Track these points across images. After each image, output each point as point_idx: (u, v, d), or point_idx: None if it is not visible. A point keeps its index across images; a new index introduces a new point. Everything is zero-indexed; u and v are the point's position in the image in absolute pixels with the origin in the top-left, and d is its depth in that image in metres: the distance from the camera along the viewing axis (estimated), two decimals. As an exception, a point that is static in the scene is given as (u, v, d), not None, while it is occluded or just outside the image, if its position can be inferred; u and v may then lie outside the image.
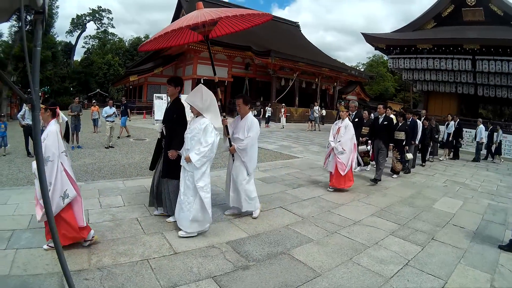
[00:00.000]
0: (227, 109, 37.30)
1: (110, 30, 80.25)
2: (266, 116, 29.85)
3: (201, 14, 4.81)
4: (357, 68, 68.60)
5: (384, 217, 6.93)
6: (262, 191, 7.99)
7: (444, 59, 23.79)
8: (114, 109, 16.47)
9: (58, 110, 4.78)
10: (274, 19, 56.46)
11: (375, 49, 28.81)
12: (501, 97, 23.52)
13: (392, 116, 10.92)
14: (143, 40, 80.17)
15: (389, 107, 11.60)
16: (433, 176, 12.10)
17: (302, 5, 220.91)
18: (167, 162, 5.71)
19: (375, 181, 9.82)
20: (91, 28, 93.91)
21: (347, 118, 8.99)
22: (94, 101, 30.84)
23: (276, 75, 36.52)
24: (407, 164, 11.95)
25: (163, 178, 5.86)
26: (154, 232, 5.41)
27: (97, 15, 76.47)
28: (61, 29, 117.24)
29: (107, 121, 15.28)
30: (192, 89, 28.45)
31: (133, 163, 11.48)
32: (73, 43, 75.82)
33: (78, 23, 75.51)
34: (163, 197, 5.97)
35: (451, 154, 17.66)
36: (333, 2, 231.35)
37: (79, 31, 76.10)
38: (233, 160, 6.27)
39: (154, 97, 28.79)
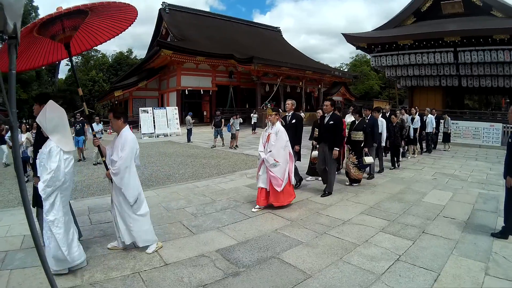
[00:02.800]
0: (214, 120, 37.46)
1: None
2: (252, 123, 29.85)
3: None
4: (341, 69, 69.19)
5: (373, 214, 6.89)
6: (252, 197, 8.05)
7: (426, 53, 23.96)
8: (101, 126, 16.40)
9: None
10: (255, 25, 56.96)
11: (357, 49, 29.05)
12: (485, 87, 23.71)
13: (378, 117, 10.87)
14: (126, 54, 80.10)
15: (376, 108, 11.27)
16: (422, 170, 12.09)
17: (283, 10, 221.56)
18: (34, 189, 4.99)
19: (325, 194, 8.34)
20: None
21: (279, 122, 7.63)
22: (82, 118, 30.76)
23: (260, 81, 36.68)
24: (369, 169, 10.33)
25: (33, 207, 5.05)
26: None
27: (78, 31, 76.27)
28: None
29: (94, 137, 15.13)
30: (177, 101, 28.35)
31: (120, 178, 11.29)
32: (57, 61, 75.60)
33: (60, 41, 75.25)
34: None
35: (419, 149, 16.30)
36: (315, 5, 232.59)
37: (62, 49, 75.88)
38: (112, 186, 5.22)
39: (140, 111, 28.67)
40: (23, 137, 11.96)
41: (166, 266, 4.68)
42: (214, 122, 20.49)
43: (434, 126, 16.89)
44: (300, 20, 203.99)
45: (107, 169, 5.13)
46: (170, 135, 27.63)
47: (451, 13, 24.91)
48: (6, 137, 13.33)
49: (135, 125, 32.80)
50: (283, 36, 60.07)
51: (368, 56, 34.50)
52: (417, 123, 15.41)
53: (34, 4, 50.16)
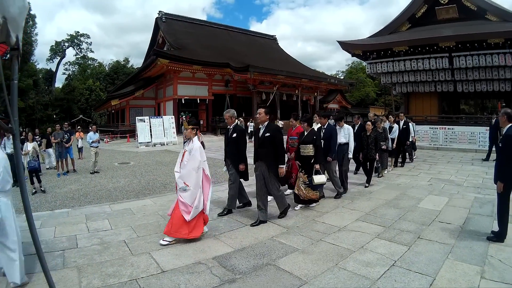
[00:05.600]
0: (210, 127, 37.49)
1: (90, 55, 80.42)
2: (249, 131, 29.91)
3: None
4: (337, 76, 69.52)
5: (369, 221, 6.92)
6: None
7: (421, 59, 23.98)
8: (97, 135, 16.35)
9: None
10: (251, 34, 57.25)
11: (352, 56, 29.02)
12: (481, 91, 23.72)
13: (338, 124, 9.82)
14: (122, 63, 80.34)
15: (338, 115, 10.44)
16: (418, 176, 12.11)
17: (280, 17, 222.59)
18: None
19: (255, 224, 6.84)
20: (71, 54, 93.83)
21: (196, 138, 6.34)
22: (78, 127, 30.73)
23: (256, 89, 36.74)
24: (319, 189, 8.28)
25: None
26: (142, 252, 5.45)
27: (75, 40, 76.39)
28: (41, 56, 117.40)
29: (91, 146, 15.14)
30: (174, 110, 28.40)
31: (118, 187, 11.39)
32: (54, 70, 75.65)
33: (58, 50, 75.38)
34: None
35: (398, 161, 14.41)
36: (312, 12, 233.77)
37: (59, 58, 75.96)
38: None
39: (137, 120, 28.68)
40: (29, 146, 11.85)
41: (163, 273, 4.69)
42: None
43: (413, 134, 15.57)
44: (297, 27, 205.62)
45: None
46: (166, 144, 27.62)
47: (445, 19, 24.96)
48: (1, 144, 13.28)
49: (132, 134, 32.86)
50: (279, 44, 60.35)
51: (364, 63, 34.62)
52: (395, 133, 13.46)
53: (32, 12, 50.27)
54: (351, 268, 4.71)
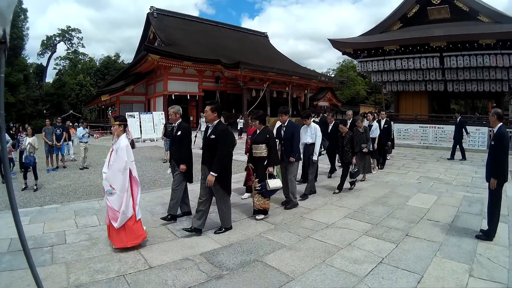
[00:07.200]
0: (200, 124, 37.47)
1: (81, 49, 79.44)
2: (238, 128, 29.86)
3: None
4: (328, 74, 69.44)
5: (357, 218, 6.93)
6: (236, 201, 8.06)
7: (412, 58, 24.12)
8: (87, 130, 16.24)
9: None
10: (242, 30, 57.15)
11: (343, 54, 29.06)
12: (471, 91, 23.91)
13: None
14: (113, 58, 79.84)
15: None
16: (407, 174, 12.15)
17: (272, 15, 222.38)
18: None
19: (219, 231, 6.18)
20: (62, 48, 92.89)
21: (124, 136, 5.77)
22: (69, 123, 30.56)
23: (247, 86, 36.69)
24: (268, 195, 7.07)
25: None
26: (129, 248, 5.39)
27: (66, 35, 75.49)
28: (32, 51, 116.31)
29: (80, 142, 15.04)
30: (164, 106, 28.26)
31: (107, 183, 11.27)
32: (45, 64, 75.00)
33: (48, 45, 74.50)
34: None
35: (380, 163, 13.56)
36: (304, 10, 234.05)
37: (49, 53, 75.21)
38: None
39: (127, 116, 28.44)
40: (27, 141, 11.46)
41: (151, 269, 4.70)
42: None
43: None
44: (289, 25, 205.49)
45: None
46: (156, 140, 27.44)
47: (437, 19, 25.08)
48: None
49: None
50: (270, 41, 60.34)
51: (355, 62, 34.68)
52: (375, 132, 12.60)
53: (23, 6, 49.80)
54: (339, 265, 4.72)
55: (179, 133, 6.94)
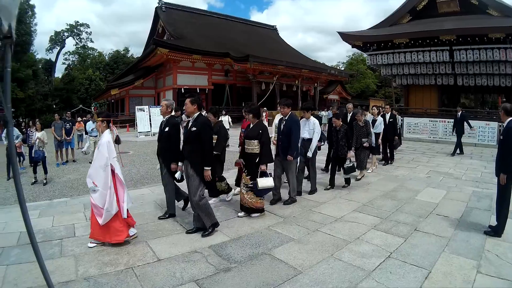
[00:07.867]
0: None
1: (89, 44, 79.57)
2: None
3: None
4: (337, 67, 69.16)
5: (366, 212, 6.93)
6: (237, 198, 7.91)
7: (422, 52, 23.89)
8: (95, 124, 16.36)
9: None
10: (251, 24, 56.95)
11: (352, 47, 28.81)
12: (481, 86, 23.66)
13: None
14: (122, 52, 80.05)
15: (306, 105, 8.74)
16: (416, 168, 12.10)
17: (280, 8, 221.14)
18: None
19: (206, 234, 5.72)
20: (70, 44, 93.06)
21: (108, 132, 5.66)
22: (79, 118, 30.82)
23: (256, 79, 36.56)
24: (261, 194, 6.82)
25: None
26: (138, 241, 5.48)
27: (75, 30, 75.65)
28: (40, 46, 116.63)
29: (90, 136, 15.12)
30: (173, 99, 28.25)
31: (116, 176, 11.35)
32: (53, 60, 75.22)
33: (57, 40, 74.67)
34: None
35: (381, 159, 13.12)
36: (312, 3, 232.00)
37: (58, 48, 75.40)
38: None
39: (136, 110, 28.63)
40: (36, 136, 11.27)
41: (159, 261, 4.74)
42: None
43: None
44: (298, 18, 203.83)
45: None
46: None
47: (447, 12, 24.80)
48: (2, 136, 13.28)
49: (131, 123, 32.80)
50: (279, 34, 60.10)
51: (364, 55, 34.46)
52: (379, 127, 12.03)
53: (31, 2, 49.86)
54: (347, 259, 4.73)
55: (167, 129, 6.57)
